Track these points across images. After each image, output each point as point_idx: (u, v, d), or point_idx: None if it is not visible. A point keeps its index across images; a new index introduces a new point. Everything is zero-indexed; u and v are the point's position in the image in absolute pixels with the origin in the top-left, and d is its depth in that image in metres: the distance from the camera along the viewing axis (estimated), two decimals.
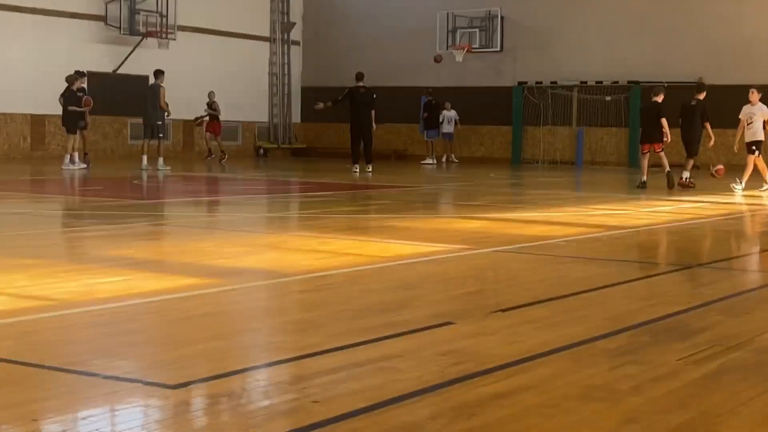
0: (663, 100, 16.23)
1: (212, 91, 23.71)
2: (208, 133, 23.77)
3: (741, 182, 15.46)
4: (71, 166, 19.29)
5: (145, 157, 19.82)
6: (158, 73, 20.12)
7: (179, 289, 5.85)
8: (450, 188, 17.09)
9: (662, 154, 16.17)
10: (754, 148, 15.81)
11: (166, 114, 20.05)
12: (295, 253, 7.79)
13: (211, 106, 23.47)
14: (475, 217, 11.20)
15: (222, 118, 23.86)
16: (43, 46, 23.91)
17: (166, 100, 19.91)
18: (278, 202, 14.23)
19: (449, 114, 26.55)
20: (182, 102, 25.66)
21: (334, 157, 27.99)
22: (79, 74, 20.27)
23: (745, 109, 16.07)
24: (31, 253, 7.56)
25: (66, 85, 19.98)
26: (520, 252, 8.01)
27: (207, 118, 23.53)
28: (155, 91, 19.87)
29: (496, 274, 7.02)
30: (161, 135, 20.00)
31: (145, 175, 18.62)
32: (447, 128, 26.53)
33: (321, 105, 20.56)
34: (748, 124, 15.92)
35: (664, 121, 15.97)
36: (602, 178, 21.41)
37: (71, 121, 19.63)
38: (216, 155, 23.42)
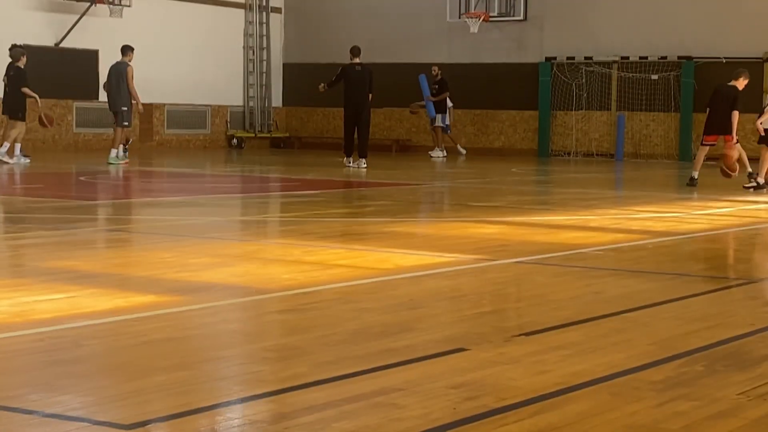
0: (744, 87, 16.24)
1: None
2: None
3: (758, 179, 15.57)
4: (11, 160, 19.38)
5: (121, 148, 19.97)
6: (126, 49, 20.19)
7: (135, 309, 5.85)
8: (463, 186, 17.12)
9: (738, 146, 16.07)
10: None
11: (133, 99, 20.06)
12: (274, 265, 7.79)
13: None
14: (493, 221, 11.21)
15: (187, 100, 23.78)
16: None
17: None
18: (254, 202, 14.24)
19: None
20: (139, 81, 25.68)
21: (322, 149, 28.01)
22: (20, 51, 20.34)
23: None
24: None
25: (9, 61, 20.07)
26: (547, 263, 8.01)
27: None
28: (121, 70, 19.94)
29: (518, 291, 7.02)
30: (126, 123, 20.06)
31: (113, 168, 18.80)
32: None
33: (323, 85, 20.54)
34: None
35: (735, 114, 15.98)
36: (647, 173, 21.43)
37: (18, 104, 19.78)
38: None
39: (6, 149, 19.52)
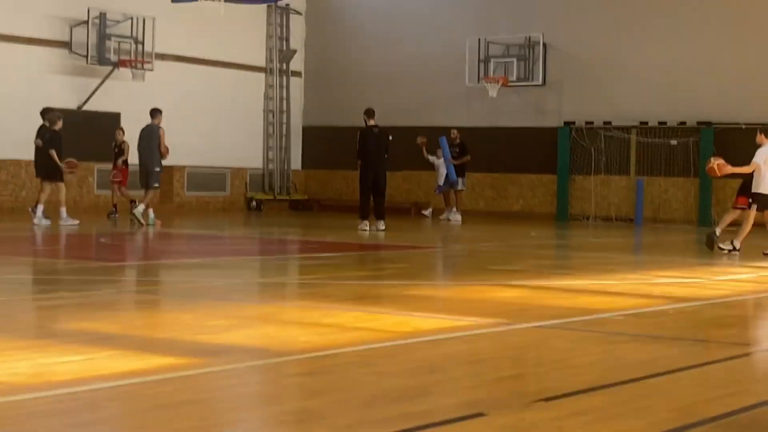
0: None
1: (120, 129, 22.92)
2: (115, 184, 22.73)
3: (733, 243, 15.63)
4: (70, 221, 19.75)
5: (151, 211, 20.27)
6: (155, 112, 20.57)
7: (153, 371, 5.84)
8: (482, 249, 17.10)
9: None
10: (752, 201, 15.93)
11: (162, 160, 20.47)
12: (293, 328, 7.77)
13: (120, 146, 22.56)
14: (512, 284, 11.17)
15: (207, 163, 23.90)
16: None
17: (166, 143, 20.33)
18: (273, 265, 14.25)
19: (439, 162, 26.55)
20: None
21: (341, 211, 28.06)
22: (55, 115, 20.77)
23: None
24: None
25: (42, 124, 20.41)
26: (567, 328, 7.97)
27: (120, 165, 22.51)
28: (153, 133, 20.25)
29: (538, 355, 6.98)
30: (156, 185, 20.40)
31: (152, 230, 19.08)
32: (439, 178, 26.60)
33: (360, 163, 20.63)
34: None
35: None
36: (667, 238, 21.36)
37: (56, 166, 20.06)
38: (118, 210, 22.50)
39: (65, 212, 19.90)
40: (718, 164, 16.00)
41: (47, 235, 18.13)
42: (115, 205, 22.63)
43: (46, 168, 20.15)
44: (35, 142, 20.35)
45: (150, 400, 5.24)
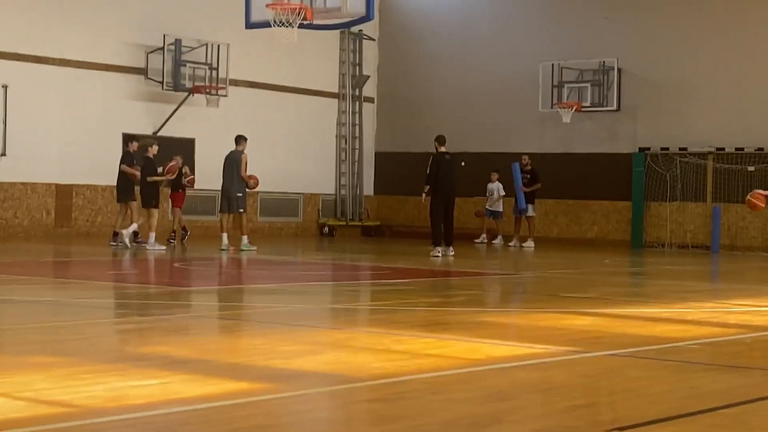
0: None
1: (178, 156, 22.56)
2: (177, 208, 22.70)
3: None
4: (156, 247, 20.15)
5: (225, 236, 20.60)
6: (240, 139, 20.95)
7: (225, 395, 5.89)
8: (554, 277, 17.01)
9: None
10: None
11: (247, 186, 20.85)
12: (364, 354, 7.79)
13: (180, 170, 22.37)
14: (585, 312, 11.10)
15: (280, 189, 24.12)
16: (72, 103, 24.64)
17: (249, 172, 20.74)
18: (345, 290, 14.30)
19: (493, 186, 26.64)
20: None
21: (413, 237, 28.08)
22: (136, 140, 21.31)
23: None
24: (51, 349, 7.71)
25: (126, 150, 21.08)
26: (641, 357, 7.90)
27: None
28: (236, 159, 20.57)
29: (611, 384, 6.93)
30: (242, 210, 20.61)
31: (225, 256, 19.27)
32: (496, 205, 26.68)
33: (427, 189, 20.95)
34: None
35: None
36: (744, 266, 21.07)
37: (152, 193, 20.57)
38: (178, 235, 22.56)
39: (153, 239, 20.25)
40: (753, 196, 15.10)
41: (122, 260, 18.38)
42: (174, 231, 22.69)
43: (144, 195, 20.61)
44: (122, 168, 20.76)
45: (224, 425, 5.29)
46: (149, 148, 20.70)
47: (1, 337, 8.66)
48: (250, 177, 20.72)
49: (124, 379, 6.38)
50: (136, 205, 20.67)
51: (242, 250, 20.17)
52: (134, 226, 20.35)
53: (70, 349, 7.76)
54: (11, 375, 6.41)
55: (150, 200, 20.52)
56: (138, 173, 20.55)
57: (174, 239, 22.22)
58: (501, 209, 26.77)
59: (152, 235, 20.23)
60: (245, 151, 20.80)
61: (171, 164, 21.09)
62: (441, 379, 6.70)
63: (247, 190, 20.96)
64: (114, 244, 20.43)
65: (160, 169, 20.83)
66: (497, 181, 26.70)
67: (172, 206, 22.73)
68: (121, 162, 20.79)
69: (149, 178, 20.45)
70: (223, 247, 20.24)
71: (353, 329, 9.70)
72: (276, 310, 11.20)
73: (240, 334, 9.10)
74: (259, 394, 6.03)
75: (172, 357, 7.35)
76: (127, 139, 21.38)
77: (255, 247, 20.53)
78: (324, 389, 6.40)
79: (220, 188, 21.23)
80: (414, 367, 7.17)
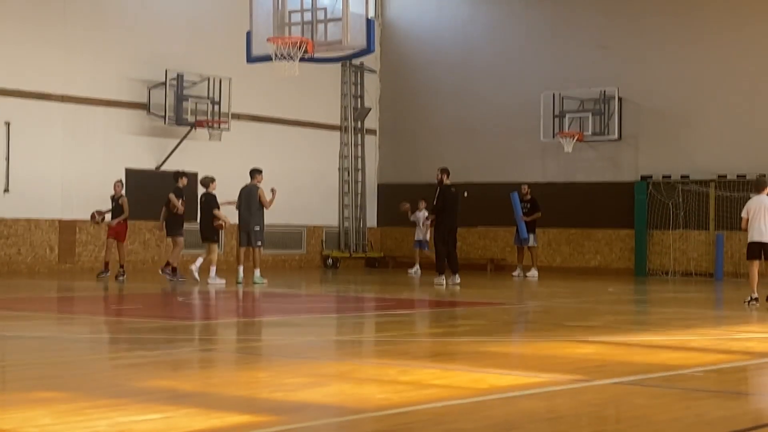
0: None
1: (119, 181, 22.06)
2: (111, 239, 21.68)
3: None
4: (217, 281, 20.31)
5: (241, 268, 20.71)
6: (255, 172, 21.08)
7: (229, 429, 5.87)
8: (558, 306, 16.98)
9: None
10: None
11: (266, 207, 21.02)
12: (369, 385, 7.77)
13: (117, 200, 21.58)
14: (589, 341, 11.08)
15: (284, 221, 24.08)
16: (75, 139, 24.69)
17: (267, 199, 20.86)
18: (349, 322, 14.28)
19: (420, 215, 26.23)
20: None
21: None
22: (179, 174, 21.58)
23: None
24: (55, 384, 7.69)
25: (173, 186, 21.32)
26: (647, 384, 7.88)
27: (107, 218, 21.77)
28: (252, 192, 20.70)
29: (617, 412, 6.90)
30: (260, 243, 20.72)
31: (241, 289, 19.43)
32: (418, 234, 26.47)
33: (432, 219, 21.20)
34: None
35: None
36: (748, 293, 21.00)
37: (211, 228, 20.76)
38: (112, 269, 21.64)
39: (214, 272, 20.47)
40: None
41: (124, 294, 18.37)
42: (107, 263, 21.83)
43: (204, 230, 20.82)
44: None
45: None
46: (211, 184, 20.94)
47: (5, 373, 8.65)
48: (271, 201, 20.90)
49: (128, 413, 6.36)
50: (181, 240, 21.07)
51: (255, 283, 20.24)
52: (200, 260, 20.69)
53: (74, 385, 7.74)
54: (15, 411, 6.40)
55: (213, 235, 20.79)
56: (181, 206, 20.87)
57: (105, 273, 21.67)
58: (428, 238, 26.20)
59: (213, 269, 20.48)
60: (261, 185, 20.92)
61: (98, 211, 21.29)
62: (446, 409, 6.68)
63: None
64: (168, 275, 20.66)
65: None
66: (424, 209, 25.96)
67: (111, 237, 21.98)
68: (212, 206, 20.92)
69: (216, 212, 20.66)
70: (239, 281, 20.44)
71: (358, 361, 9.68)
72: (280, 342, 11.17)
73: (243, 366, 9.07)
74: (263, 427, 6.01)
75: (176, 391, 7.33)
76: (177, 175, 21.56)
77: (266, 280, 20.57)
78: (329, 421, 6.38)
79: (237, 222, 21.29)
80: (419, 397, 7.15)
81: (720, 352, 10.24)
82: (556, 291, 20.92)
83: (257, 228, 20.70)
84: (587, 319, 14.27)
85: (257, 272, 20.64)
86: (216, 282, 20.24)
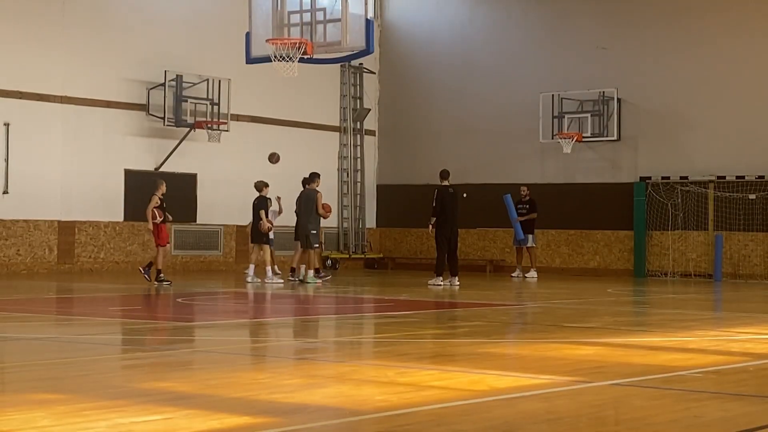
0: None
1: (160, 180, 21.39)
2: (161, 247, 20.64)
3: None
4: (275, 279, 21.12)
5: (303, 267, 21.44)
6: (314, 176, 21.59)
7: (229, 430, 5.87)
8: (557, 307, 16.98)
9: None
10: None
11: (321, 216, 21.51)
12: (368, 386, 7.77)
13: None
14: (588, 342, 11.07)
15: (283, 222, 24.05)
16: (74, 140, 24.70)
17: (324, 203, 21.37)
18: (348, 323, 14.27)
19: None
20: (235, 204, 26.16)
21: (416, 269, 28.08)
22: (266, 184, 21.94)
23: None
24: (53, 386, 7.69)
25: (257, 193, 21.71)
26: (646, 386, 7.88)
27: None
28: (311, 196, 21.20)
29: (617, 414, 6.90)
30: (316, 245, 21.40)
31: (310, 287, 20.06)
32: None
33: (432, 223, 21.39)
34: None
35: None
36: (747, 294, 21.03)
37: (259, 231, 21.35)
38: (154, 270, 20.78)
39: (271, 272, 21.22)
40: None
41: (125, 296, 18.37)
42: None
43: (255, 233, 21.41)
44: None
45: None
46: (264, 189, 21.45)
47: (4, 375, 8.64)
48: (327, 210, 21.47)
49: (127, 415, 6.36)
50: (268, 248, 21.52)
51: (308, 283, 20.88)
52: (252, 267, 21.30)
53: (72, 387, 7.74)
54: (14, 412, 6.39)
55: (263, 237, 21.29)
56: (267, 224, 21.28)
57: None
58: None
59: (269, 269, 21.14)
60: (319, 189, 21.40)
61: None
62: (445, 411, 6.68)
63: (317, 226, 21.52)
64: (292, 279, 21.62)
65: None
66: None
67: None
68: (260, 208, 21.35)
69: (261, 213, 21.19)
70: (307, 280, 21.03)
71: (357, 362, 9.68)
72: (278, 344, 11.16)
73: (242, 368, 9.07)
74: (262, 429, 6.01)
75: (175, 392, 7.33)
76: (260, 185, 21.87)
77: (319, 280, 21.21)
78: (328, 422, 6.38)
79: (294, 225, 21.90)
80: (418, 399, 7.15)
81: (719, 353, 10.24)
82: (555, 292, 20.92)
83: (314, 232, 21.19)
84: (586, 320, 14.27)
85: (311, 273, 21.23)
86: (274, 281, 20.88)
